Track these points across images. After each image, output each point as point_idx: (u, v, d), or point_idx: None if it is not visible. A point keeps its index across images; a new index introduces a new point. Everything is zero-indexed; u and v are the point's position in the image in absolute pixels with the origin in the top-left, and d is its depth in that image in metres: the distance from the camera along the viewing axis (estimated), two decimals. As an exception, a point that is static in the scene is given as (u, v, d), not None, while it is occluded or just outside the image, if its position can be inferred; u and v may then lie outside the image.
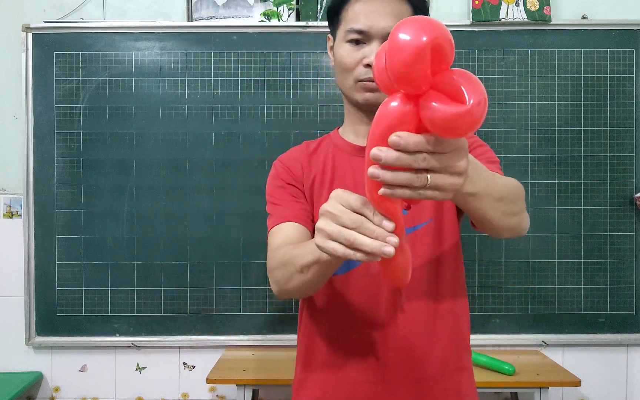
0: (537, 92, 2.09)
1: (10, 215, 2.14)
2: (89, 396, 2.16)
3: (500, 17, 2.06)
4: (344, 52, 1.01)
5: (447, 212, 1.04)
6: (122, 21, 2.12)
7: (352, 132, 1.10)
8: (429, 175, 0.58)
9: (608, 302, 2.09)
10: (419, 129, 0.57)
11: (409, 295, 0.99)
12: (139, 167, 2.09)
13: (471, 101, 0.54)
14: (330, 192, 1.01)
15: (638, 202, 2.06)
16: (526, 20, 2.06)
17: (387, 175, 0.58)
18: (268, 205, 1.08)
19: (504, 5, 2.06)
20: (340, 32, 1.03)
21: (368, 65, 0.98)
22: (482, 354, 1.89)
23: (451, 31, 0.57)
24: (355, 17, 0.99)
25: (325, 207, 0.67)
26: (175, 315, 2.09)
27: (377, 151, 0.57)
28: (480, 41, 2.08)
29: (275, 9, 2.12)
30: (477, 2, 2.06)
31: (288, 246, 0.93)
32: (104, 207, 2.09)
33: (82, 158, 2.09)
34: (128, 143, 2.09)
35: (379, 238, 0.62)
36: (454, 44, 0.55)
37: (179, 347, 2.14)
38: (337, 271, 1.00)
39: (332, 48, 1.10)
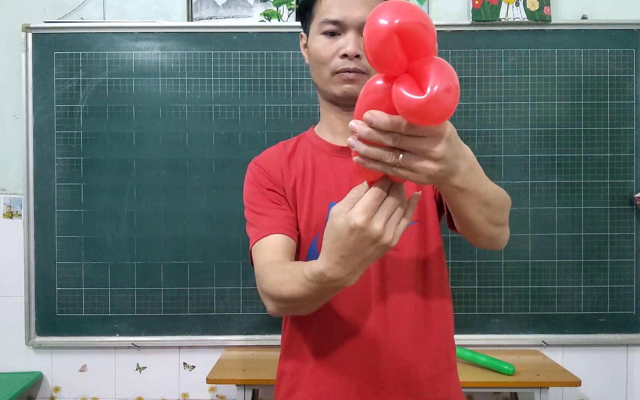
0: (537, 92, 2.09)
1: (10, 215, 2.14)
2: (89, 396, 2.16)
3: (500, 17, 2.06)
4: (319, 44, 0.99)
5: (430, 213, 1.02)
6: (122, 21, 2.12)
7: (329, 131, 1.07)
8: (401, 155, 0.61)
9: (608, 302, 2.09)
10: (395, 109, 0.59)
11: (398, 295, 0.98)
12: (139, 167, 2.09)
13: (432, 89, 0.54)
14: (313, 194, 1.00)
15: (638, 202, 2.06)
16: (526, 20, 2.06)
17: (361, 147, 0.61)
18: (248, 212, 1.04)
19: (504, 5, 2.06)
20: (314, 26, 1.01)
21: (345, 55, 0.96)
22: (482, 354, 1.89)
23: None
24: (329, 9, 0.98)
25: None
26: (175, 315, 2.09)
27: (353, 123, 0.61)
28: (480, 41, 2.08)
29: (275, 9, 2.12)
30: (477, 2, 2.05)
31: (281, 272, 0.86)
32: (104, 207, 2.09)
33: (82, 158, 2.09)
34: (128, 143, 2.09)
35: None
36: (433, 32, 0.56)
37: (179, 347, 2.14)
38: None
39: (305, 46, 1.07)
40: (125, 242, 2.09)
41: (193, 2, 2.12)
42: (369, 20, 0.56)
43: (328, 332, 0.99)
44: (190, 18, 2.12)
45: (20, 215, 2.12)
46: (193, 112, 2.09)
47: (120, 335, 2.10)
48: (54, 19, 2.10)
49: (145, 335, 2.09)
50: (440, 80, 0.54)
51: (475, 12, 2.06)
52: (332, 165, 1.04)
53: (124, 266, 2.09)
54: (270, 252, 0.94)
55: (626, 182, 2.08)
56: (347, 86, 0.98)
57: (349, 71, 0.97)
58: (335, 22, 0.97)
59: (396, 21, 0.54)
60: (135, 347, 2.12)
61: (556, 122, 2.09)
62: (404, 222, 0.66)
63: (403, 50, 0.55)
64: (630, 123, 2.09)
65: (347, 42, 0.96)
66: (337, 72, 0.98)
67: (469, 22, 2.08)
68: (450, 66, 0.57)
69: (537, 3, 2.06)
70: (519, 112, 2.09)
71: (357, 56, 0.96)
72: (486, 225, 0.81)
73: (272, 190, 1.04)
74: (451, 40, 2.07)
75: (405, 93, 0.55)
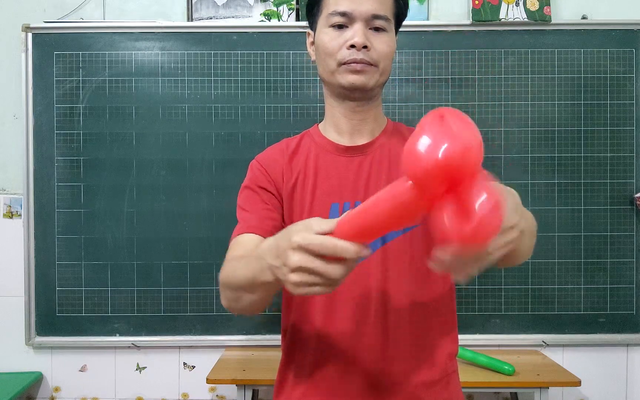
0: (537, 92, 2.09)
1: (10, 215, 2.14)
2: (89, 396, 2.16)
3: (500, 17, 2.06)
4: (327, 37, 0.98)
5: None
6: (122, 21, 2.12)
7: (333, 129, 1.06)
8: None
9: (608, 302, 2.09)
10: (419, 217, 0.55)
11: (399, 299, 0.97)
12: (139, 167, 2.09)
13: (478, 214, 0.50)
14: (314, 195, 0.99)
15: (638, 202, 2.06)
16: (526, 20, 2.06)
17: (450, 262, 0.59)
18: (238, 211, 1.04)
19: (504, 5, 2.06)
20: (322, 20, 1.00)
21: (352, 46, 0.95)
22: (482, 354, 1.89)
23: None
24: (337, 1, 0.97)
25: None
26: (175, 315, 2.08)
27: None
28: (480, 41, 2.08)
29: (275, 9, 2.12)
30: (477, 2, 2.05)
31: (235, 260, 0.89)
32: (104, 207, 2.09)
33: (82, 158, 2.09)
34: (128, 143, 2.09)
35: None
36: (480, 152, 0.51)
37: (179, 347, 2.14)
38: None
39: (312, 43, 1.06)
40: (125, 242, 2.09)
41: (193, 2, 2.12)
42: (411, 139, 0.52)
43: (328, 338, 0.99)
44: (190, 18, 2.12)
45: (20, 215, 2.12)
46: (193, 112, 2.09)
47: (120, 335, 2.10)
48: (54, 19, 2.10)
49: (145, 335, 2.09)
50: (486, 201, 0.50)
51: (475, 12, 2.06)
52: (335, 164, 1.03)
53: (124, 266, 2.08)
54: (242, 249, 0.95)
55: (626, 182, 2.08)
56: (353, 77, 0.97)
57: (356, 62, 0.96)
58: (343, 14, 0.96)
59: (441, 153, 0.49)
60: (135, 347, 2.12)
61: (556, 122, 2.09)
62: (314, 289, 0.65)
63: (447, 179, 0.51)
64: (630, 123, 2.09)
65: (355, 33, 0.95)
66: (344, 63, 0.97)
67: (469, 22, 2.08)
68: (491, 178, 0.52)
69: (537, 3, 2.06)
70: (519, 112, 2.09)
71: (365, 47, 0.95)
72: (528, 252, 0.86)
73: (266, 189, 1.03)
74: (451, 40, 2.07)
75: (449, 222, 0.51)
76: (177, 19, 2.13)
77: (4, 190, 2.15)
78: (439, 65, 2.08)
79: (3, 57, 2.13)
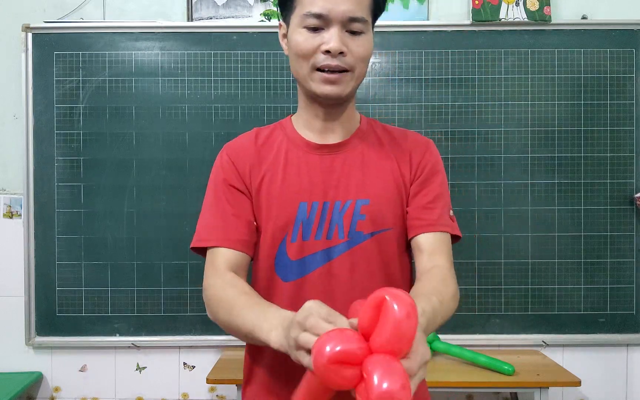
0: (537, 92, 2.09)
1: (10, 215, 2.14)
2: (89, 396, 2.16)
3: (500, 17, 2.06)
4: (301, 38, 0.93)
5: (405, 226, 1.02)
6: (122, 21, 2.12)
7: (306, 126, 1.03)
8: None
9: (608, 302, 2.09)
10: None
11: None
12: (139, 167, 2.09)
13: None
14: (282, 192, 0.98)
15: (638, 202, 2.06)
16: (526, 20, 2.06)
17: None
18: (209, 199, 1.03)
19: (504, 5, 2.06)
20: (295, 18, 0.95)
21: (327, 52, 0.91)
22: (482, 354, 1.89)
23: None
24: (312, 1, 0.91)
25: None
26: (175, 315, 2.08)
27: None
28: (480, 41, 2.08)
29: (275, 9, 2.12)
30: (477, 2, 2.05)
31: (235, 297, 0.90)
32: (104, 207, 2.09)
33: (82, 158, 2.09)
34: (128, 143, 2.09)
35: None
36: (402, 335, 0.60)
37: (179, 347, 2.14)
38: (290, 277, 0.97)
39: (285, 35, 1.00)
40: (125, 242, 2.09)
41: (193, 2, 2.12)
42: (325, 337, 0.62)
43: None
44: (190, 18, 2.12)
45: (20, 215, 2.12)
46: (193, 112, 2.09)
47: (120, 335, 2.10)
48: (54, 19, 2.10)
49: (145, 335, 2.09)
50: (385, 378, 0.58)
51: (475, 12, 2.06)
52: (306, 162, 1.00)
53: (124, 266, 2.08)
54: (224, 266, 0.96)
55: (626, 182, 2.08)
56: (328, 88, 0.94)
57: (331, 69, 0.92)
58: (318, 16, 0.91)
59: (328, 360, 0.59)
60: (135, 347, 2.12)
61: (556, 122, 2.09)
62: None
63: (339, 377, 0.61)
64: (630, 123, 2.09)
65: (331, 37, 0.91)
66: (319, 69, 0.93)
67: (469, 22, 2.08)
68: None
69: (537, 3, 2.06)
70: (519, 112, 2.09)
71: (341, 53, 0.91)
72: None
73: (236, 187, 1.01)
74: (451, 40, 2.07)
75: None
76: (177, 19, 2.13)
77: (4, 190, 2.15)
78: (439, 65, 2.08)
79: (3, 57, 2.13)
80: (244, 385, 1.08)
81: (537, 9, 2.06)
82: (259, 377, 1.03)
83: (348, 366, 0.60)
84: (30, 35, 2.07)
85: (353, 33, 0.93)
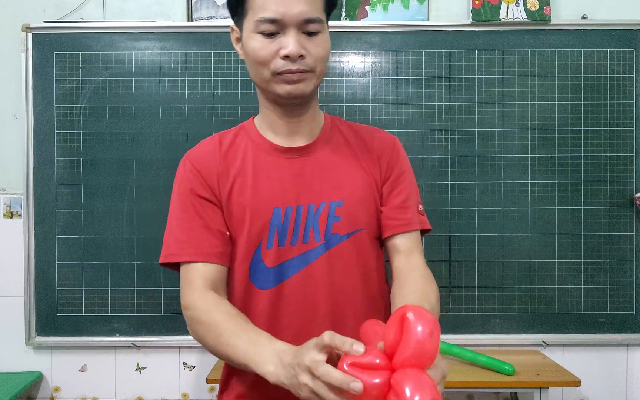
0: (537, 92, 2.09)
1: (10, 215, 2.14)
2: (89, 396, 2.16)
3: (500, 17, 2.06)
4: (257, 44, 0.91)
5: (377, 224, 1.02)
6: (122, 21, 2.12)
7: (270, 129, 1.01)
8: None
9: (608, 302, 2.09)
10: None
11: (347, 299, 0.97)
12: (139, 167, 2.09)
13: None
14: (255, 198, 0.96)
15: (638, 202, 2.06)
16: (526, 20, 2.06)
17: None
18: (175, 211, 0.99)
19: (504, 5, 2.06)
20: (249, 23, 0.92)
21: (286, 56, 0.89)
22: (482, 354, 1.89)
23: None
24: (265, 5, 0.88)
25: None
26: (175, 315, 2.08)
27: None
28: (480, 41, 2.08)
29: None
30: (477, 2, 2.05)
31: (222, 323, 0.89)
32: (104, 207, 2.09)
33: (82, 158, 2.09)
34: (128, 143, 2.09)
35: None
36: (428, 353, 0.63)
37: (179, 347, 2.14)
38: (267, 285, 0.96)
39: (238, 40, 0.98)
40: (125, 242, 2.09)
41: (193, 2, 2.12)
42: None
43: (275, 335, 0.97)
44: (190, 18, 2.12)
45: (20, 215, 2.12)
46: (193, 112, 2.09)
47: (120, 335, 2.10)
48: (54, 19, 2.10)
49: (145, 335, 2.09)
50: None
51: (475, 12, 2.06)
52: (275, 166, 0.98)
53: (124, 266, 2.08)
54: (202, 284, 0.96)
55: (626, 182, 2.08)
56: (291, 87, 0.92)
57: (292, 72, 0.90)
58: (273, 21, 0.88)
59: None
60: (135, 347, 2.12)
61: (556, 122, 2.09)
62: None
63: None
64: (630, 123, 2.09)
65: (289, 42, 0.89)
66: (279, 74, 0.91)
67: (469, 22, 2.08)
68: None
69: (537, 3, 2.06)
70: (519, 112, 2.09)
71: (300, 56, 0.90)
72: None
73: (203, 197, 0.97)
74: (451, 40, 2.07)
75: None
76: (177, 19, 2.13)
77: (4, 190, 2.15)
78: (439, 65, 2.08)
79: (3, 57, 2.13)
80: (219, 394, 1.07)
81: (537, 9, 2.06)
82: (234, 388, 1.02)
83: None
84: (30, 35, 2.07)
85: (310, 34, 0.91)
